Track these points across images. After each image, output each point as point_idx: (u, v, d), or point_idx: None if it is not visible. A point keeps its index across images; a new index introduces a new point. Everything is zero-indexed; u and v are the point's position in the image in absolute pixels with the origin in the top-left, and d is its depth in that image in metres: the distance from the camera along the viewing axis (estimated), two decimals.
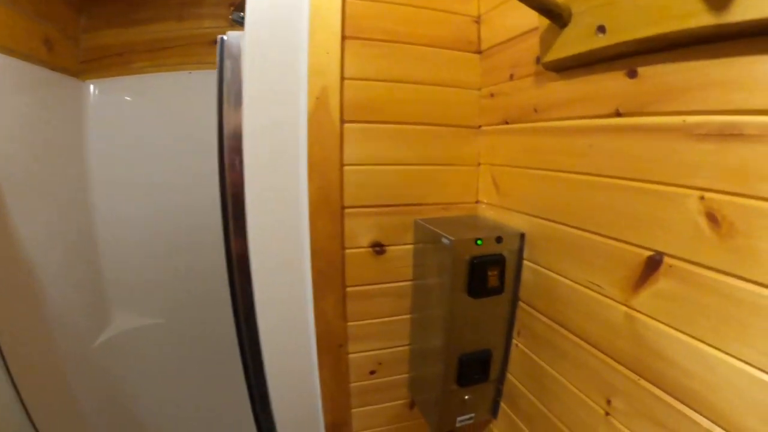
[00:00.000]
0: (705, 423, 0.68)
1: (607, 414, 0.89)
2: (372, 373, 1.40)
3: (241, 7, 1.76)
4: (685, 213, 0.70)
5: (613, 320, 0.86)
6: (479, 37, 1.33)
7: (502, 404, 1.31)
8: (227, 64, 1.20)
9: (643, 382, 0.80)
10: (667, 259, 0.74)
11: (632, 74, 0.80)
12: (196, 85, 2.46)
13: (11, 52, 1.76)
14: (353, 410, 1.42)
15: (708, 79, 0.66)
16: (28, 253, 1.82)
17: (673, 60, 0.71)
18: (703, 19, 0.61)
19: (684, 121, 0.70)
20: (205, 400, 2.68)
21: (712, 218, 0.66)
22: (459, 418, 1.28)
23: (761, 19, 0.55)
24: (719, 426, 0.66)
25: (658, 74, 0.75)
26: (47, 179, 2.03)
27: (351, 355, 1.35)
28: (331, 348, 1.30)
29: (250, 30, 1.13)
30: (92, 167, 2.41)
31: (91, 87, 2.39)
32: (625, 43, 0.76)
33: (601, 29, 0.80)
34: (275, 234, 1.19)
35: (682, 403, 0.72)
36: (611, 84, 0.85)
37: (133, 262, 2.52)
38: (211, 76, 2.37)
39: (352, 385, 1.39)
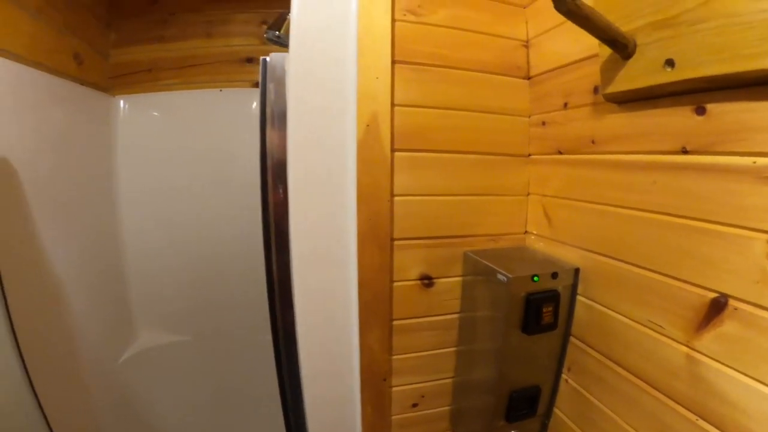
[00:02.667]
0: None
1: None
2: (414, 405, 1.45)
3: (275, 25, 1.88)
4: (750, 256, 0.74)
5: (674, 360, 0.90)
6: (528, 63, 1.39)
7: None
8: (270, 86, 1.26)
9: (702, 422, 0.84)
10: (732, 302, 0.78)
11: (700, 111, 0.85)
12: (227, 103, 2.62)
13: (39, 65, 1.84)
14: None
15: None
16: (56, 271, 1.91)
17: (745, 98, 0.76)
18: None
19: (754, 162, 0.74)
20: (226, 420, 2.80)
21: None
22: None
23: None
24: None
25: (728, 112, 0.79)
26: (76, 195, 2.14)
27: (394, 389, 1.40)
28: (374, 381, 1.35)
29: (295, 54, 1.18)
30: (121, 184, 2.55)
31: (121, 102, 2.53)
32: (694, 79, 0.81)
33: (670, 63, 0.84)
34: (320, 265, 1.25)
35: None
36: (678, 120, 0.90)
37: (160, 280, 2.67)
38: (242, 93, 2.56)
39: (394, 417, 1.43)
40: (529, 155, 1.41)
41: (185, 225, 2.65)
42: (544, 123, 1.34)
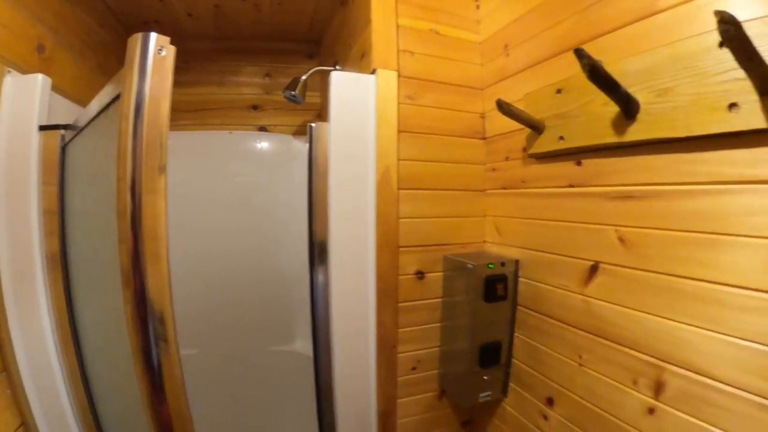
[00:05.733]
0: (633, 353, 1.28)
1: (581, 365, 1.48)
2: (413, 368, 1.96)
3: (291, 86, 2.39)
4: (608, 238, 1.38)
5: (576, 305, 1.51)
6: (484, 128, 2.05)
7: (511, 384, 1.89)
8: (315, 145, 1.75)
9: (597, 338, 1.41)
10: (601, 265, 1.42)
11: (579, 163, 1.51)
12: (236, 144, 2.96)
13: (81, 102, 1.93)
14: (399, 400, 1.93)
15: (617, 168, 1.36)
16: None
17: (601, 157, 1.41)
18: (614, 138, 1.31)
19: (605, 189, 1.40)
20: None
21: (621, 240, 1.34)
22: (480, 395, 1.85)
23: (641, 140, 1.23)
24: (639, 351, 1.26)
25: (592, 164, 1.45)
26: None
27: (400, 355, 1.90)
28: (386, 349, 1.85)
29: (334, 123, 1.74)
30: None
31: None
32: (574, 147, 1.47)
33: (561, 138, 1.51)
34: (350, 265, 1.78)
35: (621, 344, 1.33)
36: (567, 169, 1.56)
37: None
38: (249, 136, 2.99)
39: (399, 378, 1.91)
40: (485, 190, 2.07)
41: (196, 246, 2.81)
42: (494, 169, 2.00)
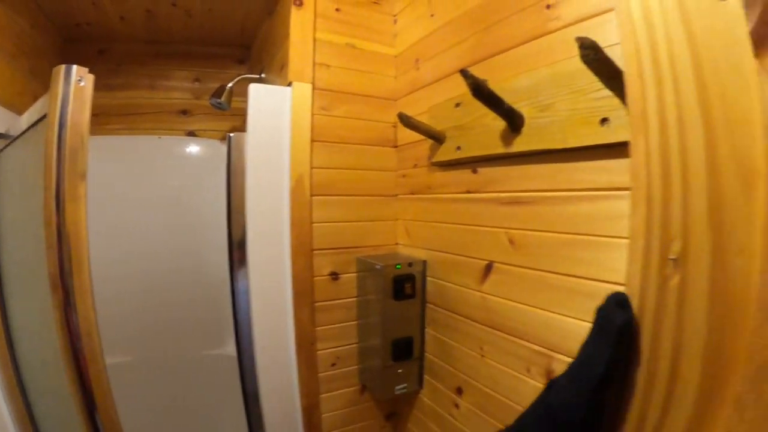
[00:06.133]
0: (526, 344, 1.37)
1: (483, 356, 1.57)
2: (333, 365, 2.02)
3: (217, 93, 2.39)
4: (500, 240, 1.48)
5: (475, 301, 1.60)
6: (396, 137, 2.14)
7: (426, 376, 1.98)
8: (233, 154, 1.81)
9: (495, 331, 1.50)
10: (495, 264, 1.52)
11: (475, 171, 1.61)
12: (165, 149, 2.92)
13: (11, 106, 1.89)
14: (321, 395, 1.98)
15: (507, 176, 1.46)
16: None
17: (493, 165, 1.52)
18: (503, 149, 1.41)
19: (497, 195, 1.50)
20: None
21: (511, 241, 1.45)
22: (396, 387, 1.93)
23: (525, 150, 1.34)
24: (530, 342, 1.35)
25: (486, 172, 1.56)
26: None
27: (319, 352, 1.96)
28: (305, 346, 1.90)
29: (251, 131, 1.80)
30: None
31: None
32: (470, 156, 1.57)
33: (459, 148, 1.61)
34: (267, 267, 1.84)
35: (515, 336, 1.41)
36: (464, 176, 1.66)
37: (98, 305, 2.65)
38: (178, 141, 2.95)
39: (320, 374, 1.97)
40: (396, 195, 2.16)
41: (126, 251, 2.73)
42: (404, 175, 2.09)
